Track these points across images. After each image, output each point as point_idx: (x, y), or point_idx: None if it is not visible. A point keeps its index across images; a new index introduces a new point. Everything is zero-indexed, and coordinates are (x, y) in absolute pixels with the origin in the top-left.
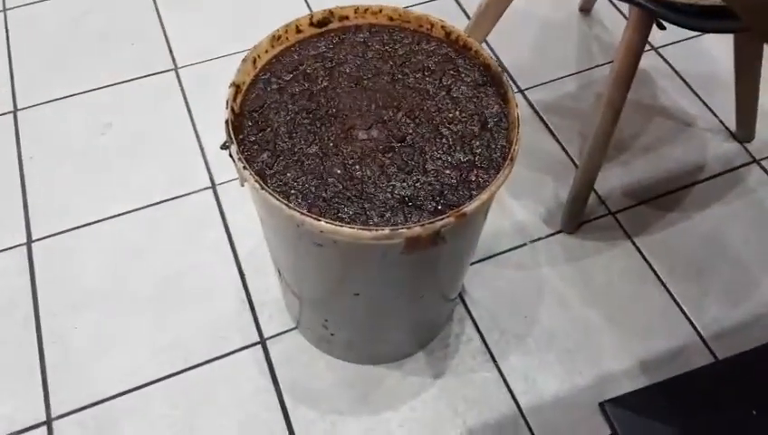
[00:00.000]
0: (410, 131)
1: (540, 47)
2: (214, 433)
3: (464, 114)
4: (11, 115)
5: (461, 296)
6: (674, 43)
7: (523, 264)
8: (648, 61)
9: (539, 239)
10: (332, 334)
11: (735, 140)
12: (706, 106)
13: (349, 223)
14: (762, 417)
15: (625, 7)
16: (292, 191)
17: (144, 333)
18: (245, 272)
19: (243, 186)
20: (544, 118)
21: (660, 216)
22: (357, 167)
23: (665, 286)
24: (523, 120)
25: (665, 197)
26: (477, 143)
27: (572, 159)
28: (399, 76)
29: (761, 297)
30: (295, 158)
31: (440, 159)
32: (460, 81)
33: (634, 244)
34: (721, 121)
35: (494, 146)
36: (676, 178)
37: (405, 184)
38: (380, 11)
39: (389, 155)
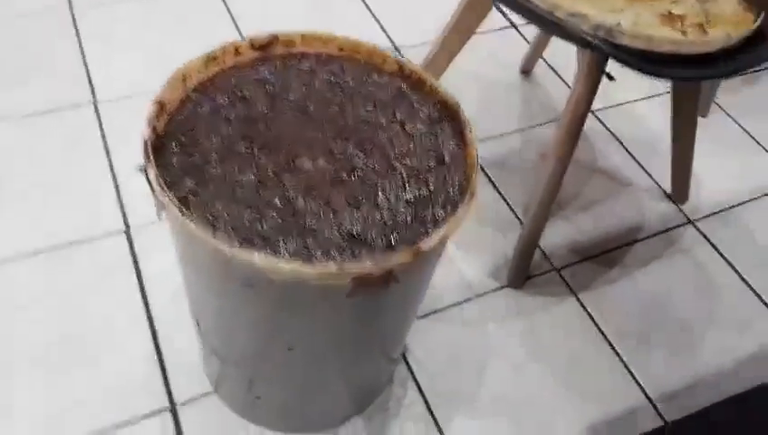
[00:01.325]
0: (361, 164)
1: (483, 105)
2: None
3: (419, 149)
4: None
5: (404, 356)
6: (610, 107)
7: (468, 320)
8: (587, 123)
9: (485, 294)
10: (258, 398)
11: (671, 201)
12: (642, 168)
13: (289, 260)
14: None
15: (562, 70)
16: (221, 222)
17: (33, 400)
18: (158, 328)
19: (160, 218)
20: (489, 174)
21: (603, 272)
22: (300, 199)
23: (611, 345)
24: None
25: (607, 254)
26: (433, 178)
27: (516, 214)
28: (349, 108)
29: (704, 356)
30: (226, 187)
31: (393, 193)
32: (415, 115)
33: (579, 301)
34: (656, 183)
35: (451, 182)
36: (617, 237)
37: (354, 219)
38: (330, 40)
39: (337, 188)
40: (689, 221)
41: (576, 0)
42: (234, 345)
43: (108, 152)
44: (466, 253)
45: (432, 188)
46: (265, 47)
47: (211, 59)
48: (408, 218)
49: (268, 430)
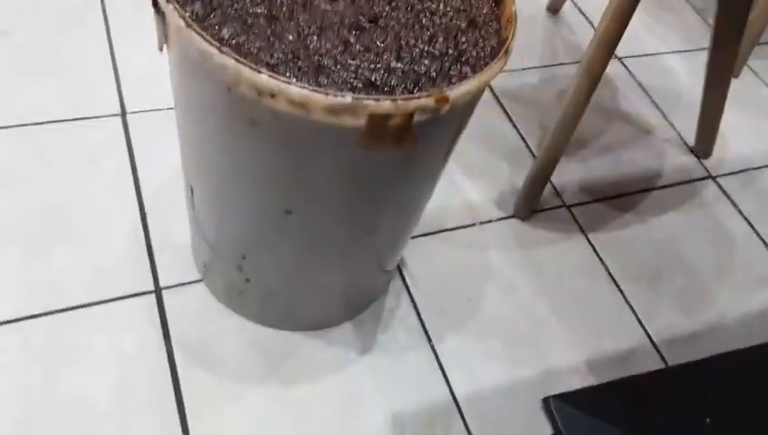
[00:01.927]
0: (384, 12)
1: None
2: (82, 390)
3: (449, 8)
4: None
5: (399, 270)
6: (637, 56)
7: (470, 244)
8: (611, 69)
9: (489, 222)
10: (248, 280)
11: (693, 155)
12: (666, 119)
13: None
14: (717, 426)
15: (591, 12)
16: (227, 49)
17: (10, 266)
18: (147, 212)
19: (161, 49)
20: (505, 105)
21: (616, 216)
22: (314, 38)
23: (617, 286)
24: (479, 104)
25: (621, 198)
26: (463, 39)
27: (530, 149)
28: None
29: (714, 308)
30: (235, 14)
31: (418, 47)
32: None
33: (588, 239)
34: (679, 135)
35: (481, 45)
36: (633, 182)
37: (373, 66)
38: None
39: (356, 32)
40: (710, 176)
41: None
42: (228, 212)
43: (108, 32)
44: (475, 179)
45: (462, 47)
46: None
47: None
48: (434, 73)
49: (252, 322)
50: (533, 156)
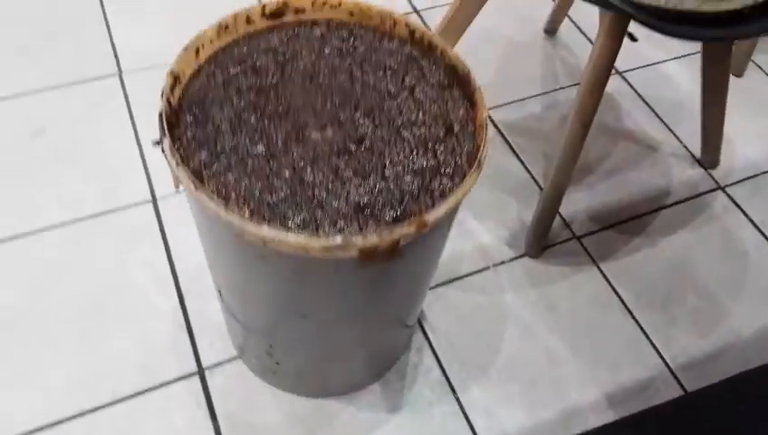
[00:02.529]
0: (369, 133)
1: (504, 67)
2: None
3: (427, 117)
4: None
5: (420, 323)
6: (638, 67)
7: (485, 289)
8: (612, 84)
9: (502, 263)
10: (278, 363)
11: (700, 166)
12: (671, 131)
13: (297, 232)
14: None
15: (589, 30)
16: (233, 195)
17: (64, 362)
18: (185, 294)
19: (178, 189)
20: (508, 139)
21: (626, 241)
22: (308, 169)
23: (631, 314)
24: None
25: (630, 221)
26: (441, 148)
27: (536, 181)
28: (358, 75)
29: (729, 327)
30: (239, 158)
31: (401, 163)
32: (424, 81)
33: (600, 269)
34: (685, 147)
35: (459, 151)
36: (642, 203)
37: (361, 190)
38: (339, 5)
39: (345, 158)
40: (719, 187)
41: None
42: (252, 314)
43: (133, 119)
44: (485, 221)
45: (440, 157)
46: (277, 15)
47: (223, 28)
48: (415, 189)
49: (288, 393)
50: (540, 188)
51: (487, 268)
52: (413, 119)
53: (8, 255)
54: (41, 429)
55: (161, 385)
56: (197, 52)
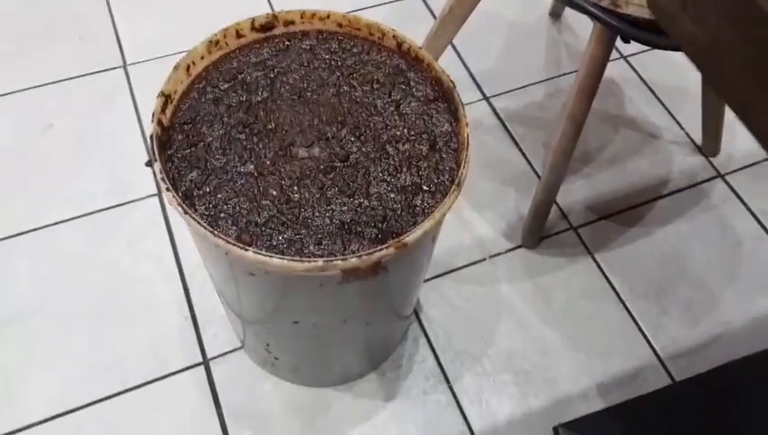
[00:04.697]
0: (354, 150)
1: (507, 52)
2: None
3: (412, 132)
4: None
5: (416, 314)
6: (643, 52)
7: (481, 280)
8: (616, 70)
9: (498, 254)
10: (276, 358)
11: (701, 154)
12: (673, 118)
13: (283, 251)
14: None
15: None
16: (222, 214)
17: (77, 353)
18: (190, 287)
19: (171, 205)
20: (509, 127)
21: (622, 231)
22: (295, 188)
23: (624, 305)
24: (484, 130)
25: (628, 211)
26: (425, 165)
27: (536, 172)
28: (346, 89)
29: (720, 316)
30: (228, 177)
31: (385, 181)
32: (410, 95)
33: (595, 260)
34: (687, 134)
35: (442, 168)
36: (640, 193)
37: (345, 208)
38: (328, 17)
39: (331, 176)
40: (719, 175)
41: None
42: (247, 316)
43: (138, 114)
44: (483, 211)
45: (423, 174)
46: (266, 27)
47: (213, 43)
48: (398, 208)
49: (287, 382)
50: (540, 179)
51: (484, 260)
52: (398, 134)
53: (22, 248)
54: (56, 417)
55: (168, 375)
56: (188, 69)
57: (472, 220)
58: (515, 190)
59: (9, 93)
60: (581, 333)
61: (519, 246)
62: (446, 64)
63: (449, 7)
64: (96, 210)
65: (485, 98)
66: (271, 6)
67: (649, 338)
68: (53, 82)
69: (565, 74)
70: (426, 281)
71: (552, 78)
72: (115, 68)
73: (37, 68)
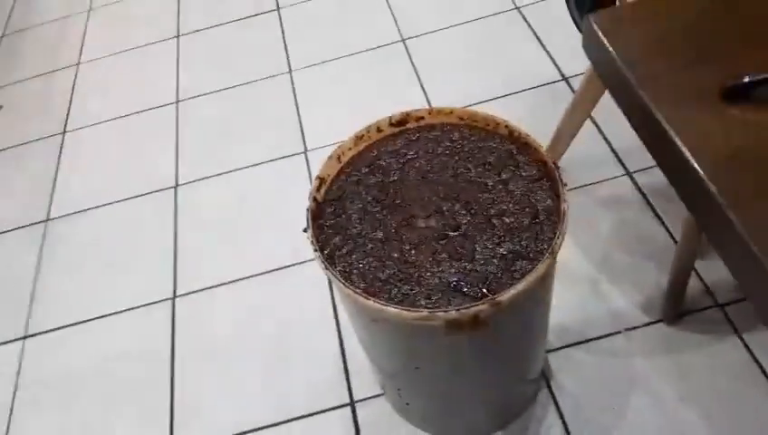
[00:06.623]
0: (465, 222)
1: None
2: None
3: (517, 207)
4: (172, 190)
5: (547, 380)
6: None
7: (615, 352)
8: None
9: (635, 328)
10: (407, 404)
11: None
12: None
13: (398, 303)
14: None
15: None
16: (355, 271)
17: (254, 386)
18: (344, 338)
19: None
20: (651, 201)
21: None
22: (413, 252)
23: None
24: (626, 204)
25: None
26: (526, 235)
27: None
28: (462, 170)
29: None
30: (361, 241)
31: (489, 248)
32: (518, 175)
33: (742, 340)
34: None
35: (541, 238)
36: None
37: (453, 270)
38: (452, 112)
39: (443, 242)
40: None
41: None
42: (379, 362)
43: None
44: (620, 284)
45: (524, 243)
46: (401, 123)
47: (359, 137)
48: (499, 272)
49: (421, 430)
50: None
51: (619, 332)
52: (504, 209)
53: (222, 296)
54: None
55: (321, 411)
56: (339, 158)
57: (609, 293)
58: (656, 265)
59: (221, 174)
60: (724, 416)
61: (658, 321)
62: (589, 141)
63: (575, 102)
64: (271, 269)
65: (628, 173)
66: (426, 96)
67: None
68: (249, 166)
69: None
70: (557, 349)
71: None
72: (298, 153)
73: (238, 155)
